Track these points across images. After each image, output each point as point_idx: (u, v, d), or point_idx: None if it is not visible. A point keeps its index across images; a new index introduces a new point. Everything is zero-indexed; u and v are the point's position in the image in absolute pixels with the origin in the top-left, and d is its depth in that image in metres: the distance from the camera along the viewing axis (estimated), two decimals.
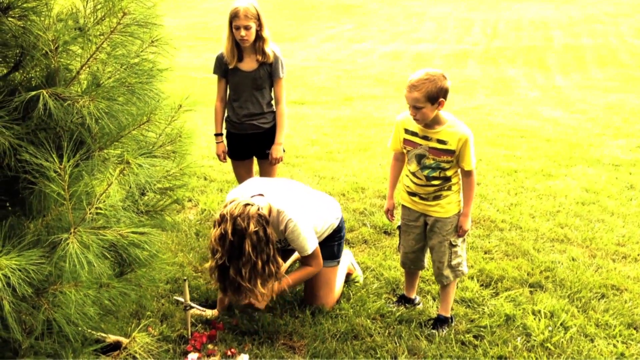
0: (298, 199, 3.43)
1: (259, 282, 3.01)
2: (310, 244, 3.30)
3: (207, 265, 3.17)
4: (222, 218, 2.99)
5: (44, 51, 2.15)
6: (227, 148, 4.37)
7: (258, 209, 3.03)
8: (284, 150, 4.29)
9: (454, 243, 3.40)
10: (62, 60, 2.17)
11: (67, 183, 1.91)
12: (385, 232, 4.73)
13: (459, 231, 3.38)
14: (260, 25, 3.95)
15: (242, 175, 4.39)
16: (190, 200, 5.22)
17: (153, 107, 2.35)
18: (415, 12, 28.16)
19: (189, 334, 3.20)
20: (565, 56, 18.46)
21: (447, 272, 3.43)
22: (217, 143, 4.34)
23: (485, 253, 4.39)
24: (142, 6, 2.30)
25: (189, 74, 14.96)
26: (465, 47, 20.31)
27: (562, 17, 26.17)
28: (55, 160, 1.92)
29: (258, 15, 3.94)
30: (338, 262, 3.65)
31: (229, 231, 2.94)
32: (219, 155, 4.36)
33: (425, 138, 3.25)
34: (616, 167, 6.78)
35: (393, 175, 3.56)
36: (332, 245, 3.60)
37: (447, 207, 3.34)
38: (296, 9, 29.33)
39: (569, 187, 5.96)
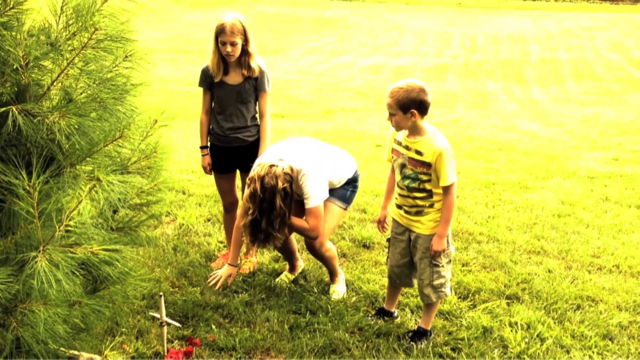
0: (315, 156, 3.71)
1: (285, 230, 3.52)
2: (314, 200, 3.55)
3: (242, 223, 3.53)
4: (252, 180, 3.41)
5: (14, 67, 2.12)
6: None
7: (283, 168, 3.44)
8: None
9: (434, 262, 3.35)
10: (32, 75, 2.15)
11: (36, 200, 1.89)
12: (364, 246, 4.74)
13: (430, 251, 3.33)
14: (246, 40, 3.96)
15: (224, 188, 4.36)
16: (168, 215, 5.18)
17: (126, 122, 2.34)
18: (396, 26, 28.42)
19: (165, 350, 3.16)
20: (542, 70, 18.75)
21: (427, 290, 3.40)
22: (202, 156, 4.33)
23: (463, 265, 4.42)
24: (115, 21, 2.29)
25: (169, 87, 14.92)
26: (445, 60, 20.54)
27: (539, 32, 26.60)
28: (25, 177, 1.90)
29: (244, 30, 3.94)
30: (346, 208, 3.90)
31: (258, 189, 3.35)
32: (204, 168, 4.34)
33: (407, 147, 3.29)
34: (592, 180, 6.87)
35: (388, 186, 3.58)
36: (345, 189, 3.86)
37: (427, 223, 3.33)
38: (278, 22, 29.46)
39: (545, 199, 6.03)
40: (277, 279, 4.09)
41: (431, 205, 3.31)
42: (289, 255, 4.13)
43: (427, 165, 3.22)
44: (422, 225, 3.34)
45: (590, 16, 31.83)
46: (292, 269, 4.19)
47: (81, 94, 2.21)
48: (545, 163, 7.64)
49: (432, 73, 17.96)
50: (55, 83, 2.15)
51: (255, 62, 4.02)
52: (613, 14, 33.47)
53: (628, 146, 8.89)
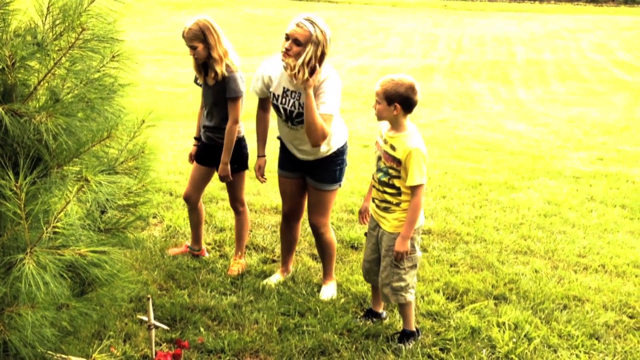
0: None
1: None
2: (332, 105, 3.53)
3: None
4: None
5: (0, 67, 2.10)
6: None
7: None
8: (244, 168, 4.23)
9: (395, 263, 3.32)
10: (19, 76, 2.13)
11: (24, 202, 1.87)
12: (352, 247, 4.74)
13: (393, 252, 3.30)
14: (208, 44, 3.94)
15: (192, 177, 4.36)
16: (155, 217, 5.15)
17: (114, 122, 2.32)
18: (382, 28, 28.51)
19: (153, 353, 3.14)
20: (527, 71, 18.89)
21: (386, 290, 3.38)
22: (193, 145, 4.44)
23: (451, 266, 4.43)
24: (102, 21, 2.27)
25: (156, 88, 14.83)
26: (431, 61, 20.63)
27: (524, 33, 26.80)
28: (11, 178, 1.88)
29: (203, 35, 3.91)
30: (340, 185, 3.90)
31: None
32: (190, 156, 4.45)
33: (385, 141, 3.33)
34: (577, 179, 6.93)
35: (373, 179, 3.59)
36: (334, 170, 3.81)
37: (392, 221, 3.33)
38: (265, 23, 29.43)
39: (531, 199, 6.07)
40: (265, 280, 4.08)
41: (398, 204, 3.30)
42: (288, 246, 4.14)
43: (397, 161, 3.24)
44: (387, 223, 3.35)
45: (574, 18, 32.14)
46: (286, 268, 4.19)
47: (68, 94, 2.18)
48: (531, 163, 7.70)
49: (418, 74, 18.02)
50: (42, 83, 2.13)
51: (221, 68, 3.95)
52: (597, 15, 33.84)
53: (612, 146, 8.98)
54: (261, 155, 4.04)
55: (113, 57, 2.38)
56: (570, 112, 12.57)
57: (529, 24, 29.77)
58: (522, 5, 40.09)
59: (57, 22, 2.21)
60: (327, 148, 3.73)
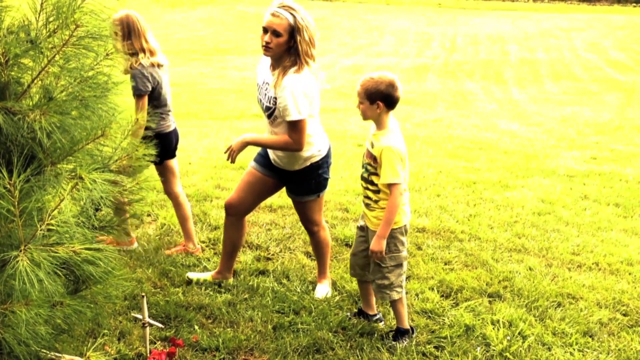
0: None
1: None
2: (295, 110, 3.40)
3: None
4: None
5: None
6: None
7: None
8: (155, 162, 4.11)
9: (377, 261, 3.31)
10: (12, 73, 2.12)
11: (17, 199, 1.86)
12: (346, 245, 4.74)
13: (369, 250, 3.31)
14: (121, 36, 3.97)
15: None
16: (149, 215, 5.13)
17: (108, 121, 2.31)
18: (376, 26, 28.52)
19: (148, 351, 3.13)
20: (521, 70, 18.94)
21: (373, 286, 3.41)
22: None
23: (445, 264, 4.44)
24: (96, 19, 2.26)
25: None
26: (425, 60, 20.66)
27: (518, 32, 26.88)
28: (5, 175, 1.87)
29: (116, 27, 3.96)
30: (318, 195, 3.77)
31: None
32: None
33: (369, 138, 3.35)
34: (570, 178, 6.96)
35: None
36: (308, 183, 3.69)
37: (372, 219, 3.34)
38: (258, 22, 29.40)
39: (525, 197, 6.09)
40: (191, 275, 4.00)
41: (377, 202, 3.31)
42: (228, 245, 3.92)
43: (374, 158, 3.26)
44: (369, 221, 3.37)
45: (568, 17, 32.26)
46: (221, 271, 4.00)
47: (62, 92, 2.17)
48: (524, 162, 7.72)
49: (412, 73, 18.04)
50: (35, 81, 2.12)
51: (127, 62, 3.98)
52: (590, 14, 33.97)
53: (606, 145, 9.03)
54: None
55: (107, 54, 2.37)
56: (563, 111, 12.62)
57: (523, 22, 29.87)
58: (516, 3, 40.21)
59: (51, 19, 2.20)
60: (301, 160, 3.62)
